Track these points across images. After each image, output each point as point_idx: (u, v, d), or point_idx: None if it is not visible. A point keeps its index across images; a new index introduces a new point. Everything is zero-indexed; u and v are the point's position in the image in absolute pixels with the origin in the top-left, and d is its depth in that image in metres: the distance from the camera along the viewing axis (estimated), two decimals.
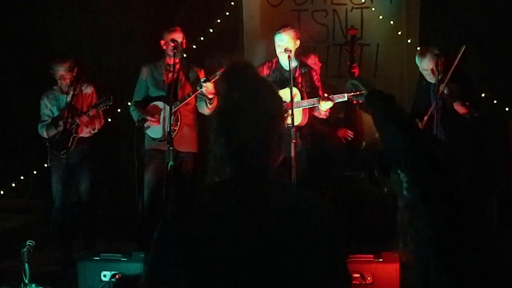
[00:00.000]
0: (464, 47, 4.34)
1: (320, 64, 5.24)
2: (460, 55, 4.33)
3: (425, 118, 4.51)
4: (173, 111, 4.50)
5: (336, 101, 4.37)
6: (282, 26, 4.58)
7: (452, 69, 4.37)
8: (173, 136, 4.48)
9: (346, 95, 4.34)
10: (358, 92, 4.34)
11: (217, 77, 4.47)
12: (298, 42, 4.54)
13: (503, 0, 5.66)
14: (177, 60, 4.63)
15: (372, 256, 3.82)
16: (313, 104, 4.45)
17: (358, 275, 3.73)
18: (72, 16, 6.21)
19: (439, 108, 4.50)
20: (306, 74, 4.63)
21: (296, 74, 4.54)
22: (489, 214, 5.49)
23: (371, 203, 5.11)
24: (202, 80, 4.49)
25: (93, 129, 4.87)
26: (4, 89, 6.11)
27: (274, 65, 4.69)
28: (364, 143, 5.25)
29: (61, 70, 4.78)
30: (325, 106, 4.39)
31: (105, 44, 6.12)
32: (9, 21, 6.09)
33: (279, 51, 4.53)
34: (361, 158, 5.20)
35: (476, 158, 4.80)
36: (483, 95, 5.37)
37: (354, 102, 4.36)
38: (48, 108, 4.93)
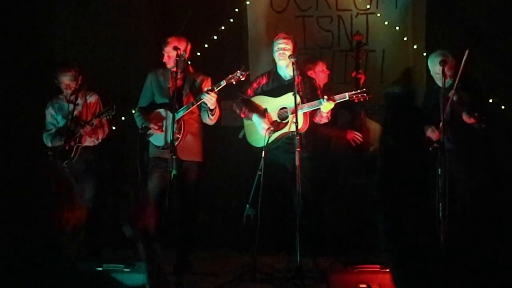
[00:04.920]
0: (467, 51, 4.26)
1: (328, 72, 5.22)
2: (465, 59, 4.25)
3: (441, 125, 4.42)
4: (176, 119, 4.47)
5: (337, 101, 4.36)
6: (284, 32, 4.70)
7: (459, 75, 4.30)
8: (176, 145, 4.44)
9: (347, 94, 4.35)
10: (359, 91, 4.36)
11: (221, 86, 4.46)
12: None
13: (510, 5, 5.59)
14: (179, 69, 4.60)
15: (379, 266, 3.77)
16: (315, 106, 4.42)
17: (365, 286, 3.69)
18: (76, 24, 6.20)
19: (448, 115, 4.43)
20: (305, 81, 4.64)
21: (296, 81, 4.53)
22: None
23: (378, 211, 5.04)
24: (206, 89, 4.48)
25: (97, 139, 4.85)
26: (7, 97, 6.10)
27: (272, 74, 4.72)
28: (371, 149, 5.19)
29: (66, 79, 4.76)
30: (326, 108, 4.37)
31: (110, 52, 6.10)
32: (12, 28, 6.08)
33: (281, 54, 4.57)
34: (368, 165, 5.14)
35: (486, 165, 4.73)
36: (491, 100, 5.30)
37: (356, 100, 4.38)
38: (53, 117, 4.91)
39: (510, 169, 5.36)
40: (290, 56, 4.52)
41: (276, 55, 4.64)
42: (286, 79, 4.67)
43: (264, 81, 4.75)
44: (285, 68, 4.66)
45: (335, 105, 4.41)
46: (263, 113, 4.64)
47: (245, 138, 4.83)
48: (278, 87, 4.66)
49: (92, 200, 4.86)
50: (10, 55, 5.99)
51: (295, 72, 4.42)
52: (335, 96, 4.36)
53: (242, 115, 4.74)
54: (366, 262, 3.96)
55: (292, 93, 4.34)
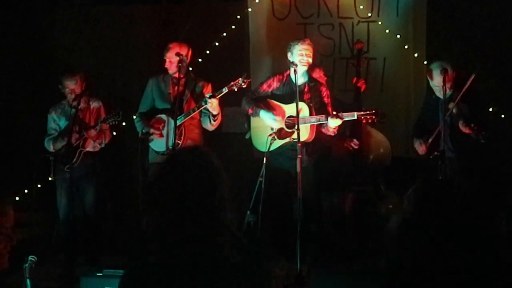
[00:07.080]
0: (473, 77, 4.29)
1: (326, 78, 5.22)
2: (468, 84, 4.29)
3: (433, 136, 4.47)
4: (177, 125, 4.48)
5: (345, 119, 4.36)
6: (304, 38, 4.68)
7: (462, 92, 4.32)
8: None
9: (355, 114, 4.34)
10: (368, 112, 4.36)
11: (223, 93, 4.47)
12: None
13: (510, 14, 5.63)
14: (181, 75, 4.61)
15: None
16: (321, 121, 4.43)
17: None
18: (77, 30, 6.23)
19: (448, 125, 4.45)
20: (315, 89, 4.62)
21: (305, 89, 4.52)
22: (498, 228, 5.41)
23: (378, 218, 5.04)
24: (207, 95, 4.48)
25: (100, 143, 4.85)
26: (8, 103, 6.12)
27: (284, 78, 4.69)
28: (371, 157, 5.19)
29: (71, 84, 4.78)
30: (333, 124, 4.37)
31: (111, 58, 6.13)
32: (15, 35, 6.11)
33: (303, 59, 4.54)
34: (368, 173, 5.15)
35: (485, 173, 4.73)
36: (490, 109, 5.31)
37: (364, 121, 4.39)
38: (55, 121, 4.91)
39: (511, 177, 5.37)
40: (291, 64, 4.50)
41: (298, 59, 4.54)
42: (298, 85, 4.62)
43: (275, 84, 4.72)
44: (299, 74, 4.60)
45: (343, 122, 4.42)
46: (272, 109, 4.63)
47: (249, 143, 4.83)
48: (288, 94, 4.62)
49: (92, 205, 4.86)
50: (13, 61, 6.02)
51: (297, 80, 4.42)
52: (343, 113, 4.36)
53: (250, 111, 4.72)
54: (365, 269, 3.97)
55: (301, 102, 4.35)
